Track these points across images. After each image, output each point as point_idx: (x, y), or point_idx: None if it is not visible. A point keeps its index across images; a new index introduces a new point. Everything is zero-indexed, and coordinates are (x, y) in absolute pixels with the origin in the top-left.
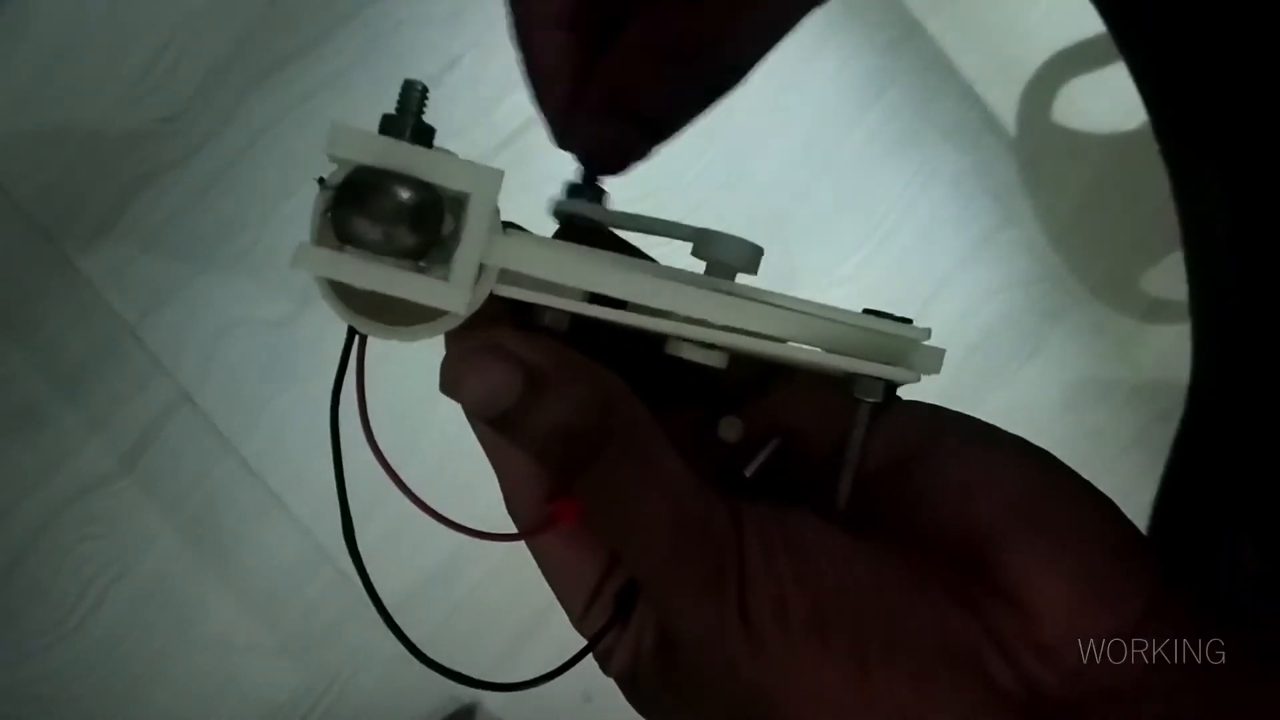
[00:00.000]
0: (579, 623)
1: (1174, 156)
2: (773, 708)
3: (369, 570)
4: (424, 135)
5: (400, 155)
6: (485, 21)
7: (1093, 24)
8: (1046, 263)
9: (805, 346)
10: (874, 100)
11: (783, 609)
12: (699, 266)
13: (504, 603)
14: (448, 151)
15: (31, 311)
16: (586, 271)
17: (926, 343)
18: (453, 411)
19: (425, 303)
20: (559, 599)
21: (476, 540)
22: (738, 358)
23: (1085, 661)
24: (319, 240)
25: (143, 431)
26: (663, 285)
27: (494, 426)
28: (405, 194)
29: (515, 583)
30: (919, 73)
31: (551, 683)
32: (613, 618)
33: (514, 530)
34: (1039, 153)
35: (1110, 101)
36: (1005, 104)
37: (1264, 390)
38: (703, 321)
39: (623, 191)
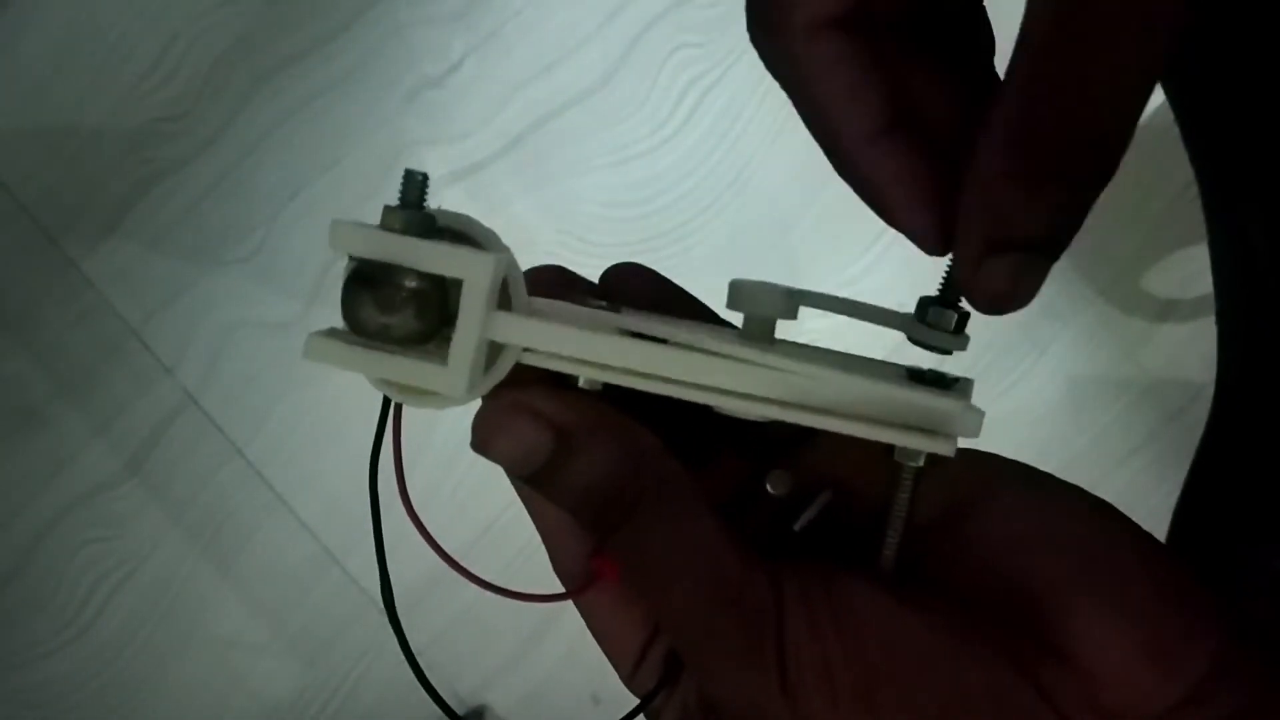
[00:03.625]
0: (628, 681)
1: (1214, 176)
2: None
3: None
4: (422, 226)
5: (397, 248)
6: (489, 22)
7: None
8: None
9: (838, 418)
10: None
11: (828, 679)
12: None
13: (507, 611)
14: (464, 220)
15: (34, 313)
16: (600, 345)
17: (967, 406)
18: (451, 433)
19: (429, 389)
20: (608, 657)
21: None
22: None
23: None
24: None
25: (148, 434)
26: (684, 358)
27: (528, 484)
28: (407, 283)
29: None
30: None
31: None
32: (661, 680)
33: (558, 590)
34: None
35: None
36: None
37: None
38: (729, 392)
39: (625, 194)
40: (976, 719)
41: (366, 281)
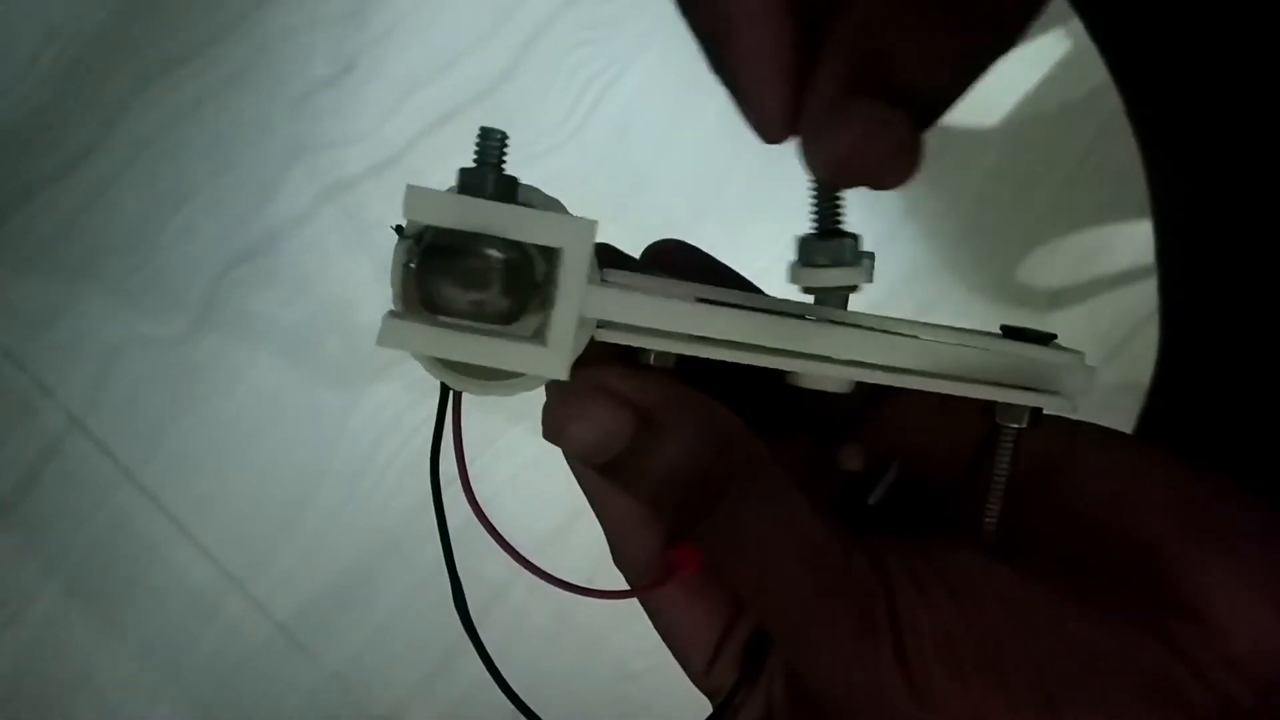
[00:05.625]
0: (701, 679)
1: (1164, 142)
2: None
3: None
4: (506, 189)
5: (484, 214)
6: (382, 21)
7: None
8: (945, 255)
9: (938, 378)
10: None
11: (951, 652)
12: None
13: (420, 629)
14: (535, 192)
15: None
16: (691, 315)
17: (1078, 359)
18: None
19: (528, 372)
20: (676, 654)
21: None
22: (861, 387)
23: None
24: (402, 295)
25: (27, 466)
26: (774, 324)
27: (603, 473)
28: (494, 255)
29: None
30: None
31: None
32: (743, 673)
33: (623, 586)
34: (934, 150)
35: (1003, 91)
36: None
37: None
38: (822, 357)
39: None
40: (1116, 685)
41: (448, 255)
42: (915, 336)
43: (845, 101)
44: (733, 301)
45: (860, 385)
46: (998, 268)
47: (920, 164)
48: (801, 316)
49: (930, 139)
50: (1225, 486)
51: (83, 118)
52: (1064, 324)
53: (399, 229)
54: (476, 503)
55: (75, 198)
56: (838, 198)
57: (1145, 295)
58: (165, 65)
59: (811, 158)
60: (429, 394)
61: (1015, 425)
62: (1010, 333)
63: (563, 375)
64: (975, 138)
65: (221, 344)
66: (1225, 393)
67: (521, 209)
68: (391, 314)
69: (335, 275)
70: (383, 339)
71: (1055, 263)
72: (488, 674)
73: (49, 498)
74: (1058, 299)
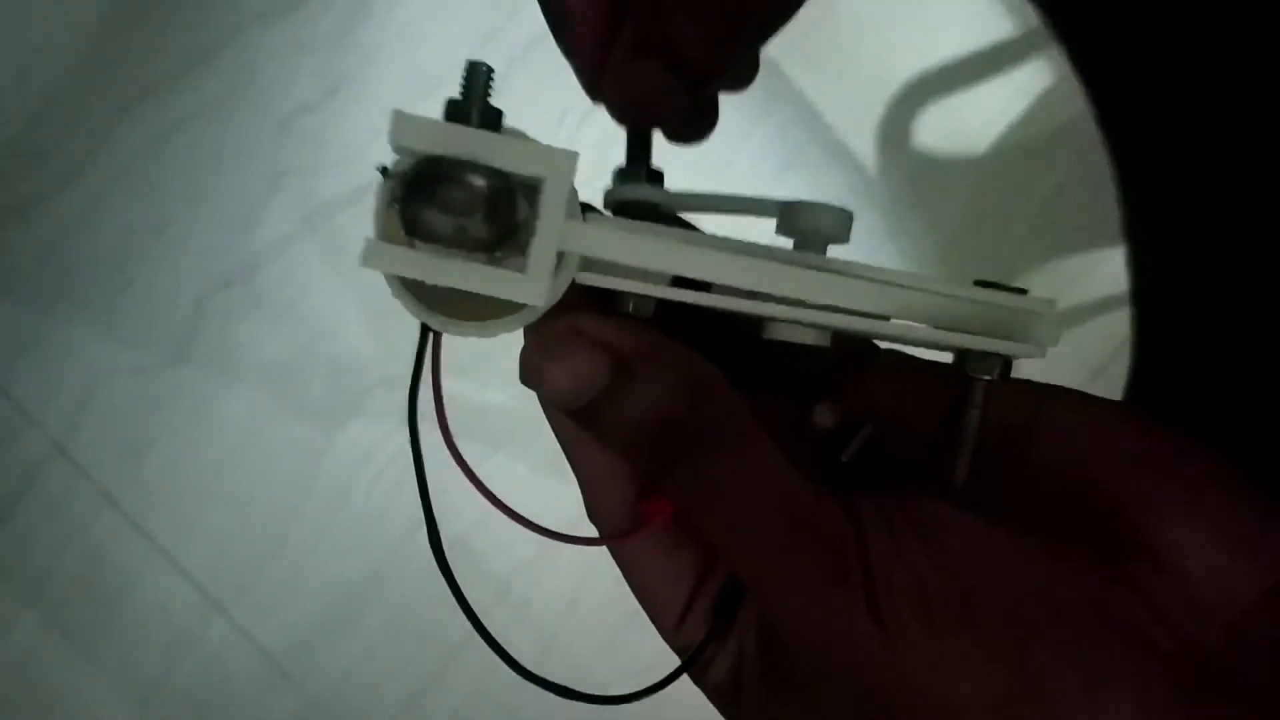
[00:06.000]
0: (672, 635)
1: (1143, 154)
2: (914, 708)
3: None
4: (492, 119)
5: (469, 142)
6: (365, 46)
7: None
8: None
9: (914, 324)
10: (760, 119)
11: (921, 597)
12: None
13: (404, 650)
14: (519, 133)
15: None
16: (672, 254)
17: (1048, 305)
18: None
19: (503, 297)
20: (648, 611)
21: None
22: (839, 335)
23: (1244, 616)
24: (385, 235)
25: (8, 492)
26: (756, 265)
27: (578, 420)
28: (477, 183)
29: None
30: (796, 97)
31: None
32: (714, 626)
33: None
34: (918, 172)
35: (980, 119)
36: (881, 127)
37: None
38: (800, 302)
39: None
40: (1084, 628)
41: (433, 181)
42: (892, 283)
43: (628, 58)
44: (712, 243)
45: (836, 345)
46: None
47: (714, 125)
48: (781, 260)
49: (914, 162)
50: (1188, 442)
51: (66, 143)
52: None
53: (384, 170)
54: (453, 441)
55: (57, 224)
56: (646, 138)
57: (1127, 319)
58: (149, 89)
59: (607, 104)
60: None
61: (986, 378)
62: (983, 284)
63: (539, 302)
64: (958, 162)
65: (203, 370)
66: (1200, 388)
67: (504, 138)
68: (371, 239)
69: (316, 301)
70: (365, 259)
71: (1037, 287)
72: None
73: (30, 523)
74: None
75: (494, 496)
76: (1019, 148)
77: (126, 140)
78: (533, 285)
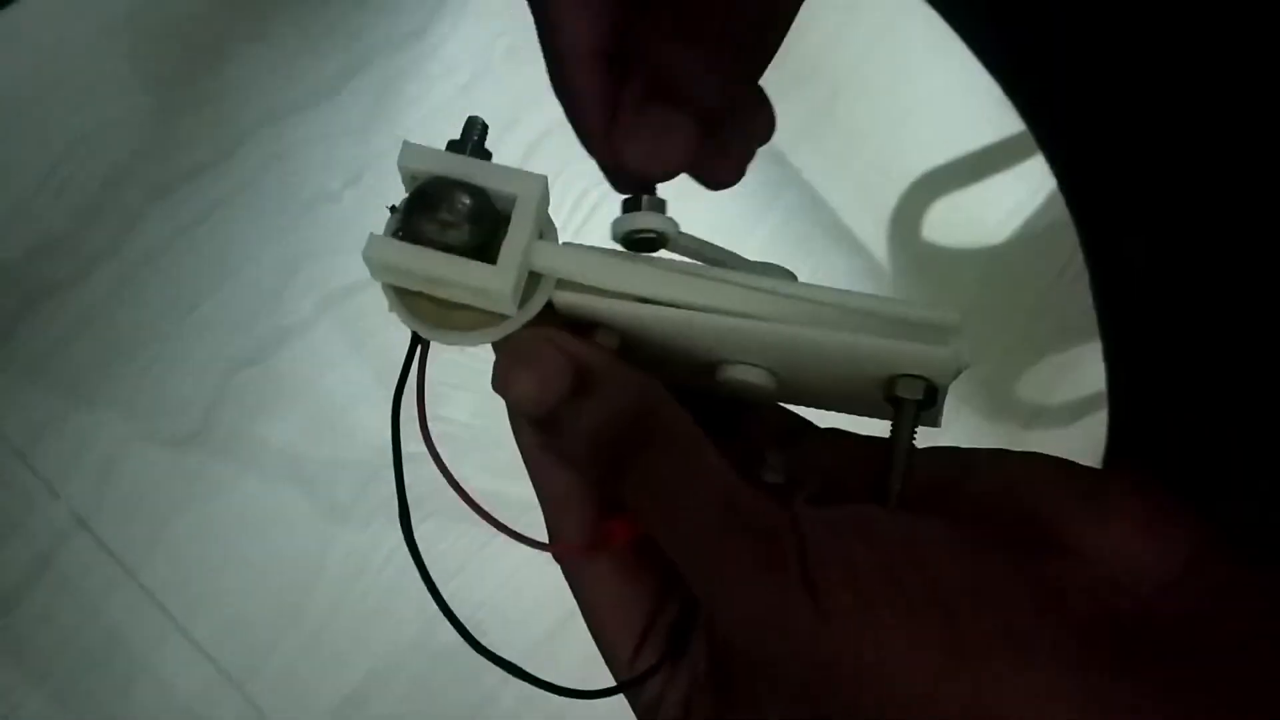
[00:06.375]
0: (627, 667)
1: (1093, 209)
2: (853, 681)
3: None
4: (481, 154)
5: (459, 165)
6: (387, 136)
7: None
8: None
9: (849, 338)
10: (768, 207)
11: (852, 571)
12: None
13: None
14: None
15: None
16: (628, 274)
17: (954, 332)
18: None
19: (476, 285)
20: (603, 644)
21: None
22: (784, 386)
23: (1161, 591)
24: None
25: (31, 564)
26: (704, 284)
27: (540, 428)
28: (464, 198)
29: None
30: (802, 184)
31: None
32: (666, 651)
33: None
34: (923, 260)
35: (982, 213)
36: (883, 216)
37: (1188, 397)
38: (744, 314)
39: None
40: (1010, 597)
41: (429, 197)
42: (826, 304)
43: (637, 108)
44: (666, 266)
45: (780, 412)
46: (978, 378)
47: (742, 167)
48: (720, 279)
49: (919, 249)
50: (1107, 474)
51: (98, 227)
52: (1037, 445)
53: (392, 208)
54: (431, 442)
55: (89, 301)
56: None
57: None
58: (184, 176)
59: (627, 163)
60: (421, 500)
61: (913, 398)
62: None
63: (506, 289)
64: (961, 253)
65: (222, 449)
66: (1175, 439)
67: (487, 164)
68: (375, 234)
69: (332, 382)
70: (368, 250)
71: (1033, 380)
72: None
73: (50, 596)
74: (1035, 418)
75: (478, 506)
76: (1020, 235)
77: (158, 226)
78: (501, 276)
